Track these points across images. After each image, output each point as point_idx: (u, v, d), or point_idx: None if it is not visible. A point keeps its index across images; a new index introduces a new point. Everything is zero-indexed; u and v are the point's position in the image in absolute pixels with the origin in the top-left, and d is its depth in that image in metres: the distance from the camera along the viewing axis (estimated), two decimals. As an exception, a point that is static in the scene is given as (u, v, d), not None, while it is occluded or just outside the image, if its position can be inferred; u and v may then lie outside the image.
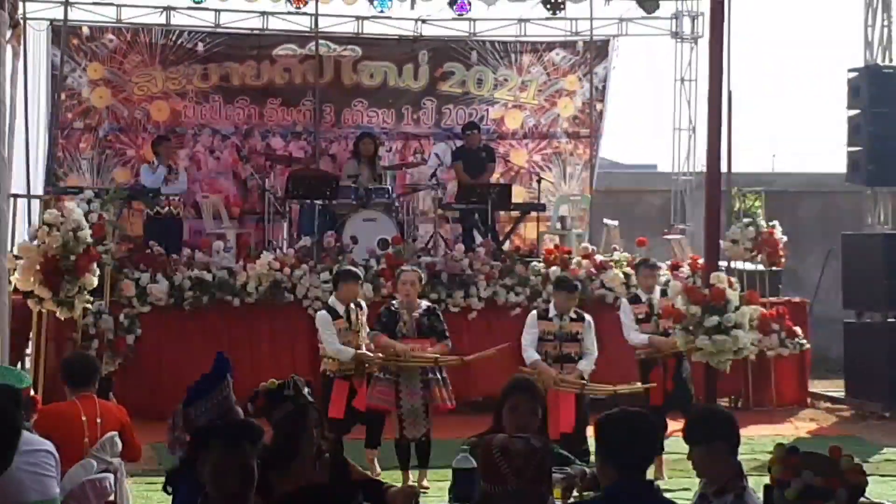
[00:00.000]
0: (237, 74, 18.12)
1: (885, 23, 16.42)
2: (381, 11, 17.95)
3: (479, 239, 15.86)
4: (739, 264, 15.33)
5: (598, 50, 19.02)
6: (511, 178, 18.37)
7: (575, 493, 6.01)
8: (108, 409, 7.82)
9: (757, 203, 15.53)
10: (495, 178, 17.49)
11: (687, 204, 19.32)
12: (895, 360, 14.72)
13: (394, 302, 10.96)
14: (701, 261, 13.78)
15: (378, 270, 14.39)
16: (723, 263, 13.88)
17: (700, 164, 17.78)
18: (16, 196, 11.88)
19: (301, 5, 17.75)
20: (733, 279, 12.48)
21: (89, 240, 12.05)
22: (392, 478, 9.58)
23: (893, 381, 14.59)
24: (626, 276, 14.94)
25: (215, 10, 17.99)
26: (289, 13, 18.05)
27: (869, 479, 4.77)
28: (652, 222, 19.24)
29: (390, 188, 16.28)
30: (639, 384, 11.11)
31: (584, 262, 15.09)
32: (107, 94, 17.67)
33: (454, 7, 18.02)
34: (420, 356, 10.53)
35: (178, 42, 17.88)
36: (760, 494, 5.16)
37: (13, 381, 7.26)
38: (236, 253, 15.22)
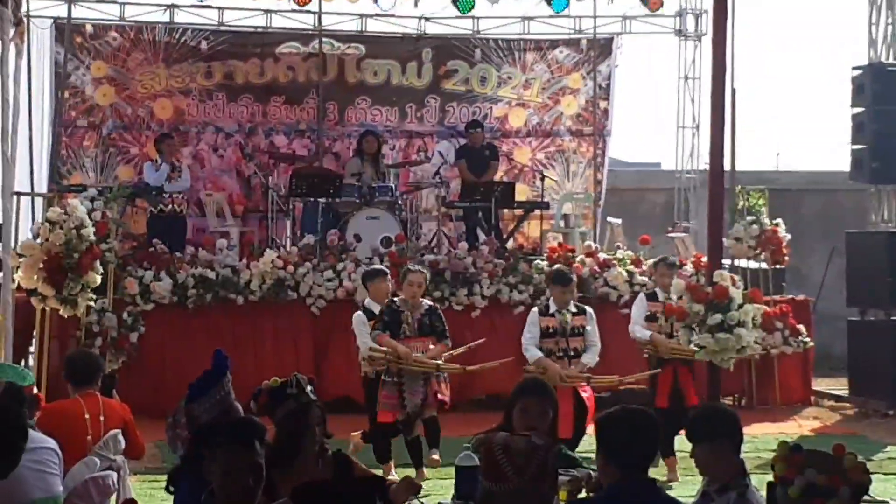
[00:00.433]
0: (241, 72, 18.12)
1: (890, 21, 16.39)
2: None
3: (482, 237, 15.85)
4: (743, 262, 15.32)
5: (602, 48, 19.00)
6: (514, 176, 18.36)
7: (581, 496, 6.00)
8: (111, 406, 7.82)
9: (760, 201, 15.50)
10: (499, 176, 17.48)
11: (690, 202, 19.31)
12: (899, 359, 14.71)
13: (395, 300, 10.96)
14: (704, 259, 13.77)
15: (382, 269, 14.39)
16: (726, 261, 13.88)
17: (703, 161, 17.79)
18: (19, 194, 11.89)
19: (304, 3, 17.74)
20: (737, 277, 12.47)
21: (93, 238, 12.06)
22: (401, 474, 9.54)
23: (897, 379, 14.59)
24: (630, 274, 14.95)
25: (219, 8, 17.99)
26: (292, 11, 18.05)
27: (872, 477, 4.77)
28: (655, 220, 19.24)
29: (394, 186, 16.29)
30: (644, 374, 11.12)
31: (588, 260, 15.08)
32: (110, 91, 17.68)
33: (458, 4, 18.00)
34: (422, 361, 10.55)
35: (182, 40, 17.88)
36: (763, 492, 5.16)
37: (16, 378, 7.29)
38: (240, 251, 15.26)
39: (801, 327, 15.18)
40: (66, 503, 6.75)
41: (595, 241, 16.42)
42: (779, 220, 15.47)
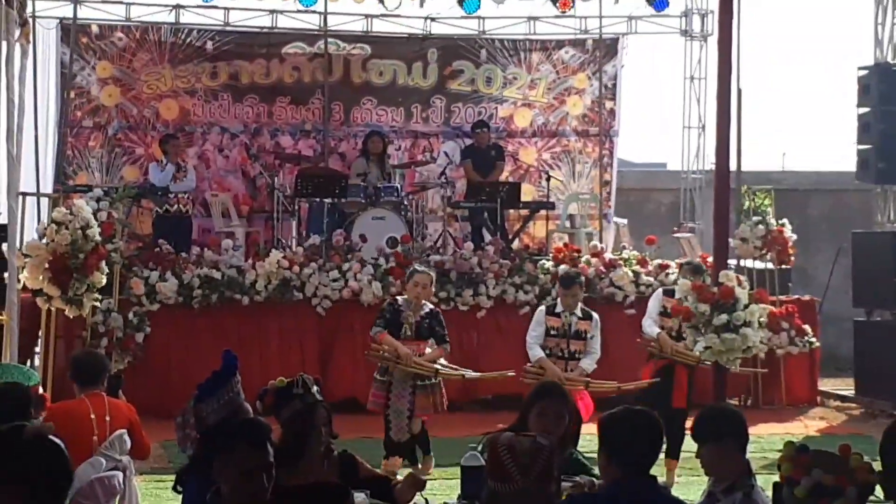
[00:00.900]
0: (246, 73, 18.14)
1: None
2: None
3: (488, 237, 15.86)
4: (749, 262, 15.32)
5: (608, 48, 19.00)
6: (520, 177, 18.35)
7: None
8: (116, 406, 7.82)
9: (766, 201, 15.50)
10: (504, 176, 17.48)
11: (696, 202, 19.31)
12: (905, 359, 14.69)
13: (398, 299, 10.96)
14: (710, 259, 13.76)
15: (387, 269, 14.38)
16: (732, 262, 13.87)
17: (709, 162, 17.79)
18: (25, 194, 11.87)
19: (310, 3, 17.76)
20: (742, 277, 12.45)
21: (98, 238, 12.06)
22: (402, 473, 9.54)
23: (903, 380, 14.57)
24: (636, 274, 14.93)
25: (224, 9, 18.01)
26: (298, 11, 18.05)
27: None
28: (661, 220, 19.24)
29: (399, 186, 16.29)
30: (643, 382, 11.06)
31: (594, 260, 15.07)
32: (116, 92, 17.69)
33: (463, 5, 18.00)
34: (422, 364, 10.54)
35: (188, 40, 17.90)
36: (769, 493, 5.15)
37: (22, 378, 7.29)
38: (245, 251, 15.25)
39: (807, 328, 15.16)
40: (71, 503, 6.75)
41: (601, 242, 16.41)
42: (785, 221, 15.46)
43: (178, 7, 17.83)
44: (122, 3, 17.68)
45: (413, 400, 10.57)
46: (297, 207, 16.17)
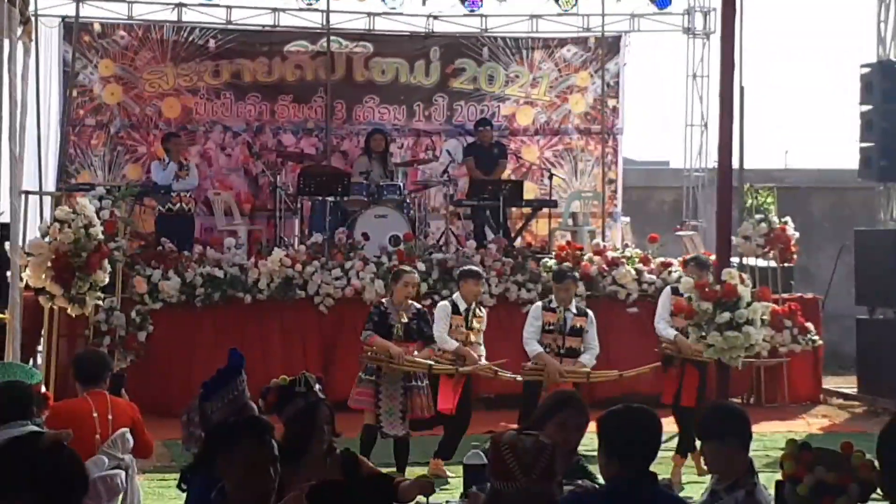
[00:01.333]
0: (248, 71, 18.13)
1: (898, 18, 16.37)
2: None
3: (490, 235, 15.86)
4: (751, 260, 15.31)
5: (610, 46, 18.99)
6: (523, 175, 18.33)
7: None
8: (119, 405, 7.83)
9: (769, 199, 15.49)
10: (507, 174, 17.47)
11: (699, 200, 19.29)
12: (908, 357, 14.69)
13: (384, 301, 11.00)
14: (713, 257, 13.74)
15: (389, 267, 14.36)
16: (735, 260, 13.84)
17: (712, 160, 17.75)
18: (27, 193, 11.86)
19: (312, 1, 17.74)
20: (745, 275, 12.42)
21: (101, 236, 12.06)
22: (414, 473, 9.50)
23: (906, 378, 14.56)
24: (638, 272, 14.93)
25: (226, 7, 18.01)
26: (300, 10, 18.05)
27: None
28: (664, 218, 19.23)
29: (402, 185, 16.28)
30: (644, 368, 11.07)
31: (596, 258, 15.06)
32: (118, 90, 17.69)
33: (465, 3, 18.01)
34: (414, 362, 10.53)
35: (190, 39, 17.89)
36: (772, 491, 5.15)
37: (24, 377, 7.29)
38: (248, 249, 15.25)
39: (810, 325, 15.14)
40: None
41: (608, 240, 16.41)
42: (787, 219, 15.45)
43: (180, 5, 17.83)
44: (124, 1, 17.68)
45: (405, 401, 10.56)
46: (299, 206, 16.16)
